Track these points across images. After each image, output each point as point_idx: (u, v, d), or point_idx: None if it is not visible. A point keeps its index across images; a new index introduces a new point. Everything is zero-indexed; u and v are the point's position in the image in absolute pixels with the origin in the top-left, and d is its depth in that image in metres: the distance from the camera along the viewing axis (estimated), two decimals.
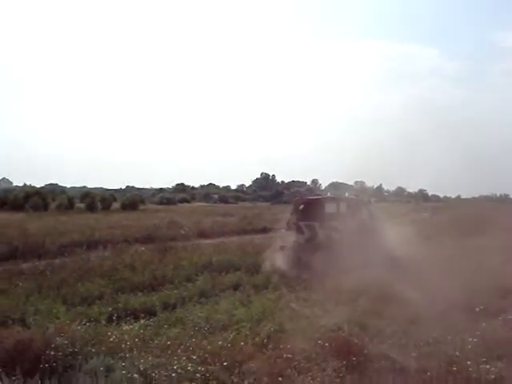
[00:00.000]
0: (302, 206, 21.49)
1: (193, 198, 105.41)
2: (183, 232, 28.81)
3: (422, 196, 67.13)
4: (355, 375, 7.57)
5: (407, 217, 32.86)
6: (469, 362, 7.68)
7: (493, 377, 7.32)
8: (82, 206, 59.62)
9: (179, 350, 8.22)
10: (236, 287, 14.80)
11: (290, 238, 20.34)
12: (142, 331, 9.90)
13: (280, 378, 7.15)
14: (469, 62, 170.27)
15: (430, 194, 68.03)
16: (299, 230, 20.24)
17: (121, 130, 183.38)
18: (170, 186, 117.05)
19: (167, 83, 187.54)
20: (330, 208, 21.13)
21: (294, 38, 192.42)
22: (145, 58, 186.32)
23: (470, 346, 8.61)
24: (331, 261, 16.48)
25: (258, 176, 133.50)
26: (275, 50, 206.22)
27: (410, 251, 18.85)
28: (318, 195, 27.85)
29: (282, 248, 19.63)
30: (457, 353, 8.24)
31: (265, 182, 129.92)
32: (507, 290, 13.15)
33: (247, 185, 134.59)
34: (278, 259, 18.66)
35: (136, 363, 7.45)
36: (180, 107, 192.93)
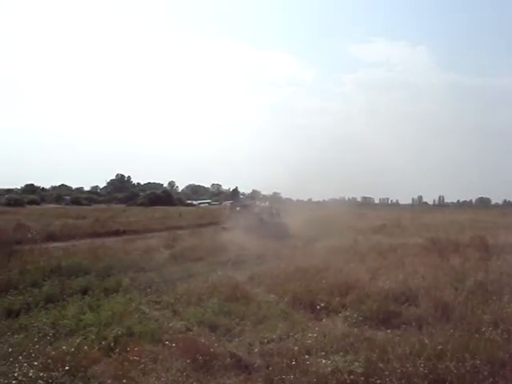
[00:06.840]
0: (237, 208, 38.80)
1: (43, 200, 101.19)
2: (30, 235, 27.44)
3: (275, 198, 69.13)
4: (200, 373, 7.76)
5: None
6: (307, 356, 8.15)
7: (329, 369, 7.80)
8: None
9: (21, 357, 7.90)
10: (85, 291, 14.39)
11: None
12: None
13: (124, 380, 7.13)
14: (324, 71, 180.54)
15: (283, 196, 70.27)
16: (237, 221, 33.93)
17: None
18: (19, 187, 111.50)
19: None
20: (252, 209, 37.37)
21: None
22: None
23: (309, 341, 9.12)
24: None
25: (113, 177, 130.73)
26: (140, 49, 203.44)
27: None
28: (245, 202, 44.69)
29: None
30: (296, 347, 8.70)
31: (120, 184, 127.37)
32: (349, 287, 14.00)
33: (101, 186, 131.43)
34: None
35: None
36: (34, 102, 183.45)
